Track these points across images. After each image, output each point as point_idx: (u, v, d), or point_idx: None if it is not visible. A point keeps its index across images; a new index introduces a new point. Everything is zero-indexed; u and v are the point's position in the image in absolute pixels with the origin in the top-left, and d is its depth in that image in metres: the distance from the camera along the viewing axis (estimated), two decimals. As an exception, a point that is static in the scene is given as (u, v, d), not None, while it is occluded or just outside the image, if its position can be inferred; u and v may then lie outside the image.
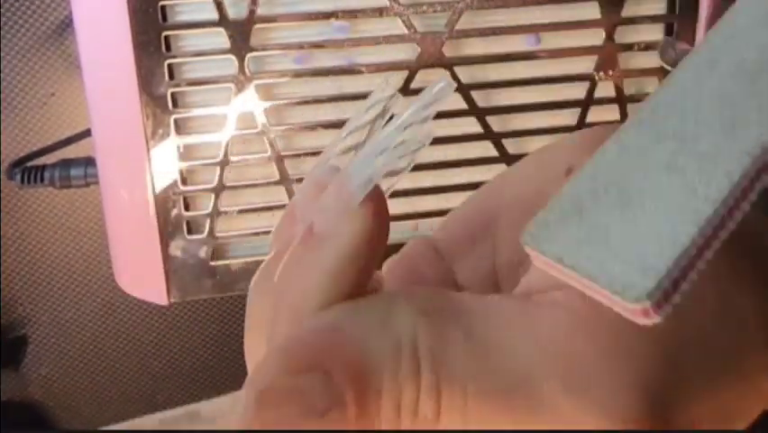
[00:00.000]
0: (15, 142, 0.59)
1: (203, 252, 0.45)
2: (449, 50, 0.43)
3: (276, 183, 0.45)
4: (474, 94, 0.44)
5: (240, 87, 0.43)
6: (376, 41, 0.43)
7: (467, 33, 0.43)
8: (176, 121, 0.43)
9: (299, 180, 0.45)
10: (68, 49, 0.58)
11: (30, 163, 0.51)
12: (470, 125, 0.45)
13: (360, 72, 0.43)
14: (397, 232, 0.47)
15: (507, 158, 0.46)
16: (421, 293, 0.18)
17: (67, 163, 0.49)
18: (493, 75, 0.45)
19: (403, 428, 0.16)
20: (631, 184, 0.14)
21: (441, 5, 0.42)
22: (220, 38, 0.42)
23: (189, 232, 0.45)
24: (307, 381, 0.15)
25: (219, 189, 0.44)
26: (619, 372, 0.15)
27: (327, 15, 0.42)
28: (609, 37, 0.44)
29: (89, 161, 0.49)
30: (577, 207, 0.14)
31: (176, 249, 0.45)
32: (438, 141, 0.45)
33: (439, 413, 0.15)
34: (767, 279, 0.17)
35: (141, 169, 0.43)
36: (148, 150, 0.43)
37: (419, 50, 0.43)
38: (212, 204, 0.44)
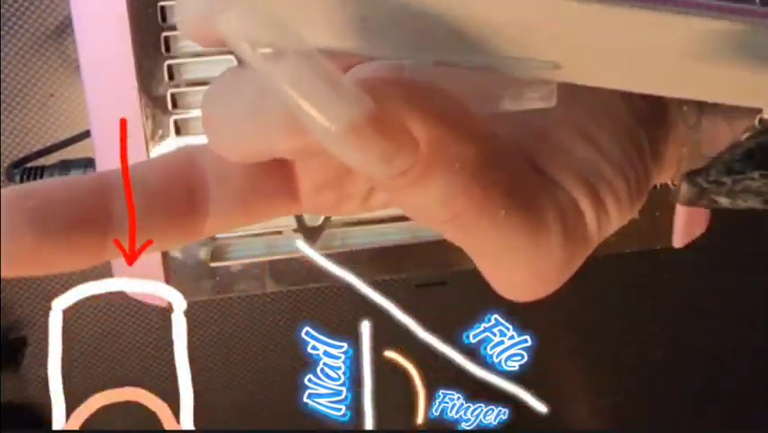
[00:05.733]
0: (15, 142, 0.59)
1: (203, 253, 0.45)
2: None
3: (276, 184, 0.44)
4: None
5: (240, 88, 0.42)
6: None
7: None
8: (176, 122, 0.43)
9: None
10: (68, 49, 0.58)
11: (29, 164, 0.51)
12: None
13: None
14: (395, 233, 0.47)
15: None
16: None
17: (66, 164, 0.49)
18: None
19: None
20: None
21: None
22: (220, 39, 0.42)
23: (189, 233, 0.45)
24: None
25: (219, 190, 0.44)
26: None
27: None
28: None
29: (89, 162, 0.49)
30: None
31: (176, 250, 0.45)
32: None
33: None
34: None
35: (141, 170, 0.43)
36: (148, 151, 0.43)
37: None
38: (212, 205, 0.44)
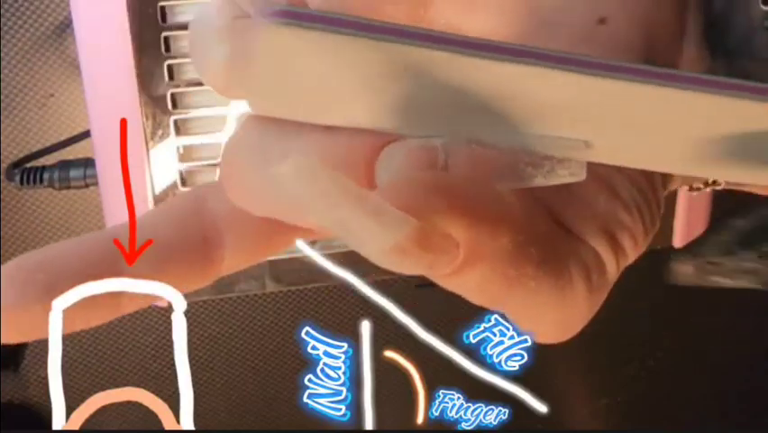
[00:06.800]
0: (15, 142, 0.59)
1: (203, 253, 0.45)
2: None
3: (276, 184, 0.44)
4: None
5: (240, 88, 0.42)
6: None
7: (467, 34, 0.43)
8: (175, 122, 0.43)
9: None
10: (68, 49, 0.58)
11: (29, 164, 0.51)
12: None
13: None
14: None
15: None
16: None
17: (66, 164, 0.49)
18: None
19: None
20: None
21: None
22: (220, 39, 0.42)
23: (189, 233, 0.45)
24: None
25: (219, 190, 0.44)
26: None
27: (327, 16, 0.42)
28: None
29: (88, 163, 0.49)
30: None
31: (176, 250, 0.45)
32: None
33: None
34: None
35: (141, 170, 0.43)
36: (147, 151, 0.43)
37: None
38: (212, 205, 0.44)
